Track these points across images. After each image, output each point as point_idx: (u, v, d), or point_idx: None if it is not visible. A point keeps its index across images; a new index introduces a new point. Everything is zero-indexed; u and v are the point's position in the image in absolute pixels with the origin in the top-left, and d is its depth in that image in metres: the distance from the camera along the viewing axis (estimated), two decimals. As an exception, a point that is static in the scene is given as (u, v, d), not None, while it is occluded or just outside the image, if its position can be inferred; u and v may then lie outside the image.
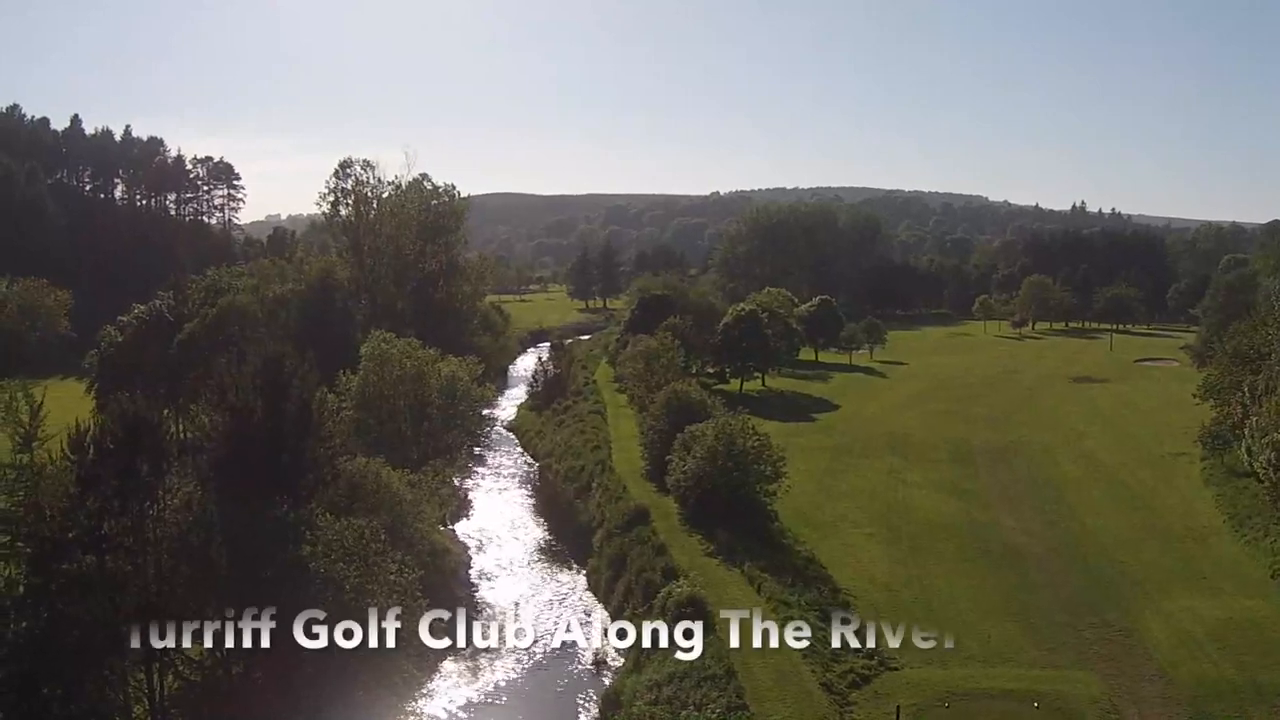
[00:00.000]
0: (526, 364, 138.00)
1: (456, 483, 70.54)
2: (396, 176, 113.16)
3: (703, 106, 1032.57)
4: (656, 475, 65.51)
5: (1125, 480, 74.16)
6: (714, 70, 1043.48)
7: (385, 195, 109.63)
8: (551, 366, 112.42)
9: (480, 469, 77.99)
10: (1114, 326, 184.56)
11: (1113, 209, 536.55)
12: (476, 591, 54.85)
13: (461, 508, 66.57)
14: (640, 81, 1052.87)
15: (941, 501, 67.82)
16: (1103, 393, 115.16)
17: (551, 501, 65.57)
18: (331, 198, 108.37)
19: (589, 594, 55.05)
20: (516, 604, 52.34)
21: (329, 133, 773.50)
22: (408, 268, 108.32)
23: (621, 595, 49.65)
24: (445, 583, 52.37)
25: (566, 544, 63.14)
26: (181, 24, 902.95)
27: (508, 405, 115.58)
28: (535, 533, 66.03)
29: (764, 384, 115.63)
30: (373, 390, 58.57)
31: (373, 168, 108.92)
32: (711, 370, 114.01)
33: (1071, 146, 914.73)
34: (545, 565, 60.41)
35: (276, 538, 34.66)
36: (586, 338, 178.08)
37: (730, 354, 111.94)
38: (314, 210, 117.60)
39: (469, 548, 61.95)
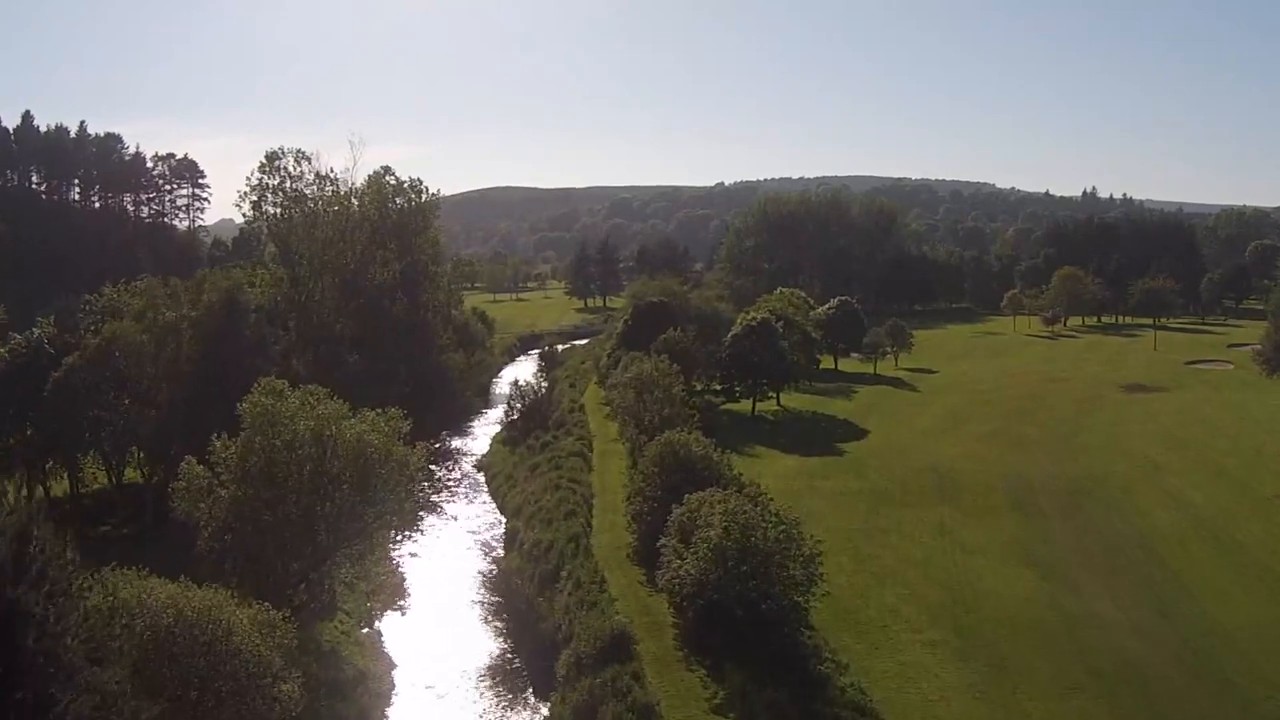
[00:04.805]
0: (520, 372, 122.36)
1: (393, 556, 55.58)
2: (332, 170, 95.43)
3: (707, 97, 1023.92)
4: (646, 557, 49.79)
5: (1239, 539, 59.09)
6: (718, 61, 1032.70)
7: (329, 193, 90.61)
8: (534, 386, 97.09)
9: (435, 522, 62.41)
10: (1154, 321, 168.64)
11: (1124, 194, 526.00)
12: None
13: (394, 596, 51.33)
14: (644, 73, 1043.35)
15: (1015, 579, 52.77)
16: (1164, 406, 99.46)
17: (512, 592, 49.77)
18: (254, 197, 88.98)
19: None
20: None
21: (326, 130, 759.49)
22: (355, 278, 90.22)
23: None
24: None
25: (525, 659, 46.53)
26: (170, 21, 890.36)
27: (481, 434, 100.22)
28: (486, 639, 49.18)
29: (779, 403, 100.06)
30: (259, 460, 42.99)
31: (308, 159, 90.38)
32: (719, 388, 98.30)
33: (1078, 132, 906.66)
34: (494, 697, 44.12)
35: None
36: (583, 343, 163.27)
37: (740, 370, 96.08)
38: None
39: (394, 664, 46.28)
